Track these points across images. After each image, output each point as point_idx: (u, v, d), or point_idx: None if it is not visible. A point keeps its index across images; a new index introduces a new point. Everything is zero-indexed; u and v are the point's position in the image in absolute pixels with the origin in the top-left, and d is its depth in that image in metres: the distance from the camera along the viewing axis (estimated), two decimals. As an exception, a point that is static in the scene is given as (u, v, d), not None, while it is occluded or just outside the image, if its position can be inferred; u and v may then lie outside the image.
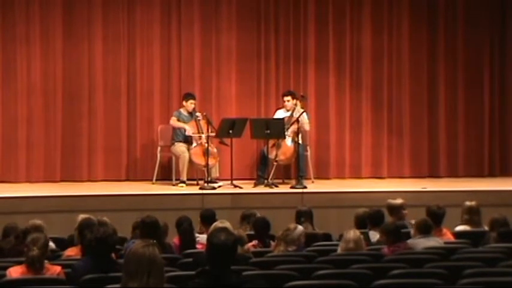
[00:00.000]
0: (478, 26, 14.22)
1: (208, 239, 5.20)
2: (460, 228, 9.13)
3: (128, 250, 5.75)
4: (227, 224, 7.55)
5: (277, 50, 13.79)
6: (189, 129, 12.41)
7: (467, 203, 9.25)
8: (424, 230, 8.16)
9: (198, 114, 12.55)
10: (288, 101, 12.78)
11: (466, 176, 13.92)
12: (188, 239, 8.24)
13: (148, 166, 13.12)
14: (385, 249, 7.83)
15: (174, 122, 12.57)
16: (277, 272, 6.82)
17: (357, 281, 6.45)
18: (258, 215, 8.99)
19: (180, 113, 12.63)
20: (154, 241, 5.68)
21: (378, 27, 13.99)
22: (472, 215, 9.12)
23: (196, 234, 8.54)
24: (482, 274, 6.70)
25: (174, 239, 8.53)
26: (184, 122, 12.55)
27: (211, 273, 4.98)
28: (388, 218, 9.04)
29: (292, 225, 7.97)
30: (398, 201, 9.39)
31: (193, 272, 5.47)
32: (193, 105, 12.61)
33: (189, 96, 12.70)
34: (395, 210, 9.30)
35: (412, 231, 8.40)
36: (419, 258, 7.36)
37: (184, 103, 12.65)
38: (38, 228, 7.97)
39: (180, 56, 13.50)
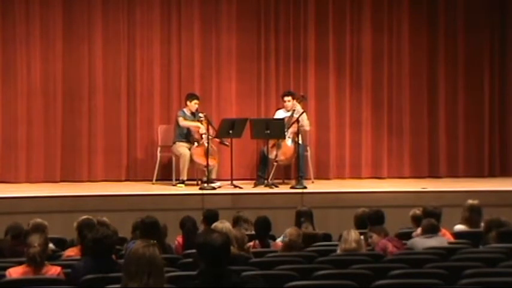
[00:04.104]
0: (478, 26, 14.21)
1: (203, 242, 5.10)
2: (459, 227, 9.12)
3: (128, 250, 5.74)
4: (227, 224, 7.56)
5: (277, 50, 13.78)
6: (203, 128, 12.36)
7: (470, 201, 9.22)
8: (431, 229, 8.16)
9: (201, 114, 12.51)
10: (289, 101, 12.76)
11: (466, 176, 13.90)
12: (192, 239, 8.24)
13: (148, 166, 13.12)
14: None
15: (182, 121, 12.47)
16: (277, 272, 6.82)
17: (357, 281, 6.45)
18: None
19: (184, 112, 12.61)
20: (155, 241, 5.66)
21: (378, 27, 13.98)
22: (472, 214, 9.10)
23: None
24: (482, 274, 6.70)
25: (177, 238, 8.56)
26: None
27: (211, 273, 4.97)
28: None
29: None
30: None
31: (193, 272, 5.47)
32: (197, 106, 12.59)
33: (193, 96, 12.67)
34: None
35: (418, 230, 8.41)
36: (420, 259, 7.37)
37: (188, 103, 12.61)
38: (40, 227, 7.98)
39: (180, 56, 13.50)
